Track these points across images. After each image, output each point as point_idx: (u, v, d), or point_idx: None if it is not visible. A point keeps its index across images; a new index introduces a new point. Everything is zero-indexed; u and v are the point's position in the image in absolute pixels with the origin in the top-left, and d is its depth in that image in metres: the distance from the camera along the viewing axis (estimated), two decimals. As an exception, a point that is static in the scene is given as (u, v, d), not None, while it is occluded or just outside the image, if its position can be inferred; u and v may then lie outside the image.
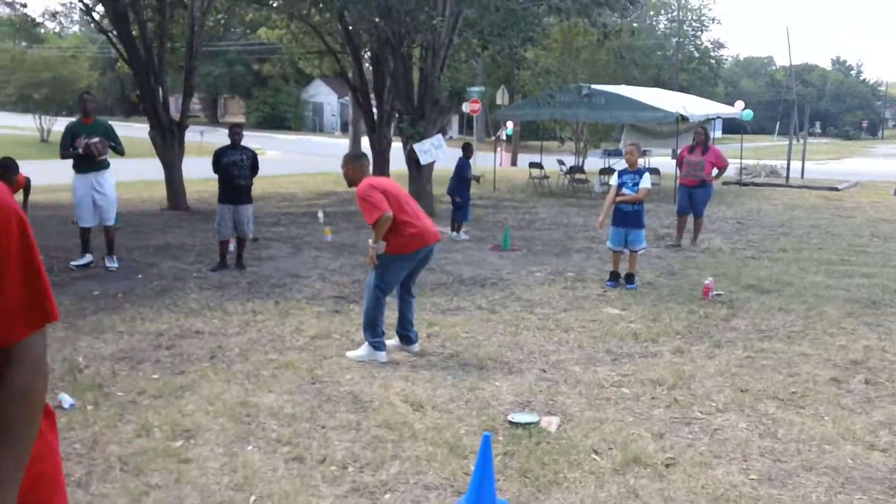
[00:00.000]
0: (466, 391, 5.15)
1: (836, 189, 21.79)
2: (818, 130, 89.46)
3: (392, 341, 6.08)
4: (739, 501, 3.79)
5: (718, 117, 23.53)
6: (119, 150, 8.82)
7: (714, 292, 8.21)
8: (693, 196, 11.72)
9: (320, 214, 13.57)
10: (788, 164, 24.68)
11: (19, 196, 8.40)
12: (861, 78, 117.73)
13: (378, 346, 5.83)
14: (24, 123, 37.11)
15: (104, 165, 8.72)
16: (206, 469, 3.89)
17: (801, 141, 28.23)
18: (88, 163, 8.56)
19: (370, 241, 5.81)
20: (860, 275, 9.56)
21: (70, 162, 8.67)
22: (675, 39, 60.53)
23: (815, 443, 4.51)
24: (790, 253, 11.21)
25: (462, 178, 12.28)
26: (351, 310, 7.29)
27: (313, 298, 7.71)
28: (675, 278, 9.27)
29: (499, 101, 24.83)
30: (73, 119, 9.17)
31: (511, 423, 4.63)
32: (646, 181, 8.65)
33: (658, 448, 4.37)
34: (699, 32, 66.64)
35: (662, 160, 23.67)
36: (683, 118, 18.31)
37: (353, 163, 6.12)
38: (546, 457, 4.17)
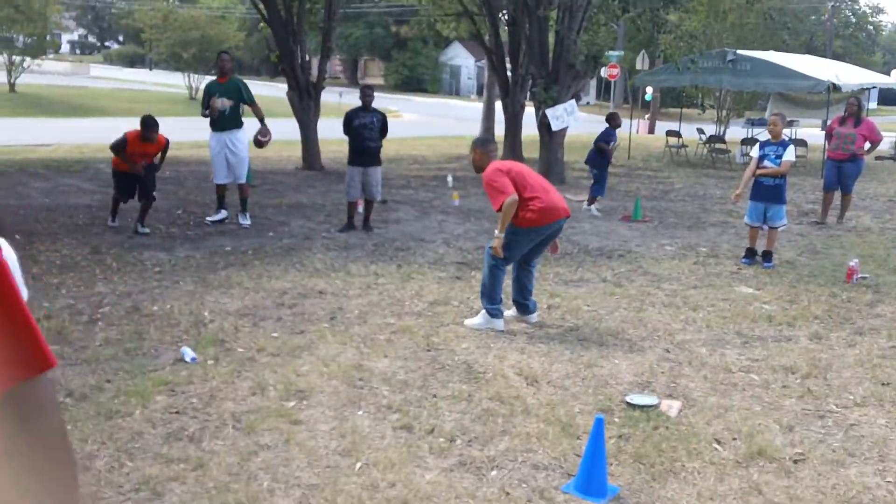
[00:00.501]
0: (584, 367, 5.02)
1: None
2: None
3: (510, 311, 6.01)
4: (873, 505, 3.51)
5: (874, 87, 21.88)
6: (251, 106, 9.04)
7: (859, 275, 7.64)
8: (842, 170, 10.95)
9: (450, 178, 13.60)
10: (954, 138, 22.62)
11: (157, 156, 8.76)
12: None
13: (495, 313, 5.76)
14: (174, 81, 39.19)
15: (237, 125, 9.04)
16: (316, 432, 3.96)
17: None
18: (223, 122, 8.90)
19: (496, 230, 5.70)
20: None
21: (209, 119, 9.04)
22: (830, 3, 56.56)
23: (965, 447, 4.12)
24: (944, 236, 10.31)
25: (600, 148, 11.49)
26: (472, 276, 7.26)
27: (436, 263, 7.74)
28: (818, 258, 8.70)
29: (638, 67, 23.98)
30: (212, 78, 9.53)
31: (629, 404, 4.47)
32: (790, 154, 8.12)
33: (786, 442, 4.11)
34: (858, -3, 61.97)
35: (811, 131, 22.27)
36: (836, 87, 17.12)
37: (481, 148, 6.05)
38: (664, 443, 4.00)
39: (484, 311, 5.80)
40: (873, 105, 44.84)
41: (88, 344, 5.09)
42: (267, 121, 9.28)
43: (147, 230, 8.40)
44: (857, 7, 63.03)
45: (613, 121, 11.65)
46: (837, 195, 11.12)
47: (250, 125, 9.21)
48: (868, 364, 5.33)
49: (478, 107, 29.40)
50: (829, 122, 12.28)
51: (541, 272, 7.46)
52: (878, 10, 67.27)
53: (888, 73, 24.73)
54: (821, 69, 18.87)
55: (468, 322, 5.83)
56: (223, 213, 9.32)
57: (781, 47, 24.79)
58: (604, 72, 23.24)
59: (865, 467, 3.87)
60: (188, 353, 4.88)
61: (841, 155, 10.97)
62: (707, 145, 20.10)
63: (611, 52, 22.02)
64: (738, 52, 18.72)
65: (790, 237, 9.69)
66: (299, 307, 6.09)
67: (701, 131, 21.31)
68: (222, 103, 8.88)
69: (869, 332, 6.06)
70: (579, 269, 7.69)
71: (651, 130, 31.69)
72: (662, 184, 15.10)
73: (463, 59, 60.28)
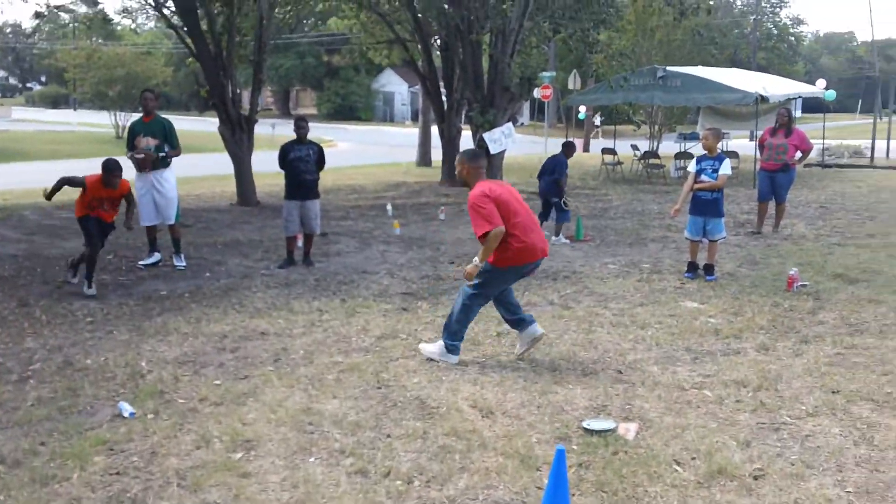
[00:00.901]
0: (538, 395, 4.93)
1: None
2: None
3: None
4: (836, 520, 3.48)
5: (799, 97, 22.57)
6: (171, 151, 8.84)
7: (799, 283, 7.78)
8: (775, 180, 11.20)
9: (389, 207, 13.50)
10: (873, 144, 23.55)
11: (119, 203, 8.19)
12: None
13: (453, 349, 5.60)
14: (99, 120, 38.28)
15: (164, 165, 8.80)
16: (267, 484, 3.77)
17: (886, 119, 26.88)
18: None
19: (476, 257, 5.46)
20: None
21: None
22: (752, 17, 58.59)
23: (922, 451, 4.15)
24: (878, 238, 10.59)
25: (556, 179, 10.93)
26: (419, 307, 7.15)
27: (380, 295, 7.59)
28: (757, 268, 8.84)
29: (571, 86, 24.33)
30: (139, 116, 9.27)
31: (586, 430, 4.39)
32: (726, 167, 8.25)
33: (745, 458, 4.08)
34: (777, 9, 64.41)
35: (741, 143, 22.89)
36: (763, 99, 17.60)
37: (469, 162, 5.76)
38: (624, 468, 3.93)
39: (442, 343, 5.63)
40: (798, 114, 46.40)
41: (20, 405, 4.80)
42: (199, 156, 9.06)
43: (76, 280, 7.99)
44: (779, 19, 65.42)
45: (569, 150, 11.20)
46: (772, 205, 11.36)
47: (189, 160, 8.96)
48: (816, 373, 5.38)
49: (413, 133, 29.48)
50: (758, 133, 12.57)
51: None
52: (799, 21, 70.13)
53: (811, 83, 25.53)
54: (748, 82, 19.41)
55: (423, 347, 5.73)
56: (156, 256, 9.03)
57: (709, 62, 25.51)
58: (537, 93, 23.49)
59: (825, 479, 3.86)
60: (126, 408, 4.63)
61: (773, 165, 11.22)
62: (642, 161, 20.46)
63: (543, 73, 22.32)
64: (668, 68, 19.14)
65: (729, 249, 9.84)
66: (241, 351, 5.88)
67: (635, 147, 21.70)
68: (147, 143, 8.66)
69: (814, 340, 6.13)
70: (526, 293, 7.64)
71: (586, 149, 32.17)
72: (601, 202, 15.26)
73: (396, 86, 60.56)
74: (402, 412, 4.66)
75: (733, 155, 19.25)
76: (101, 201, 7.69)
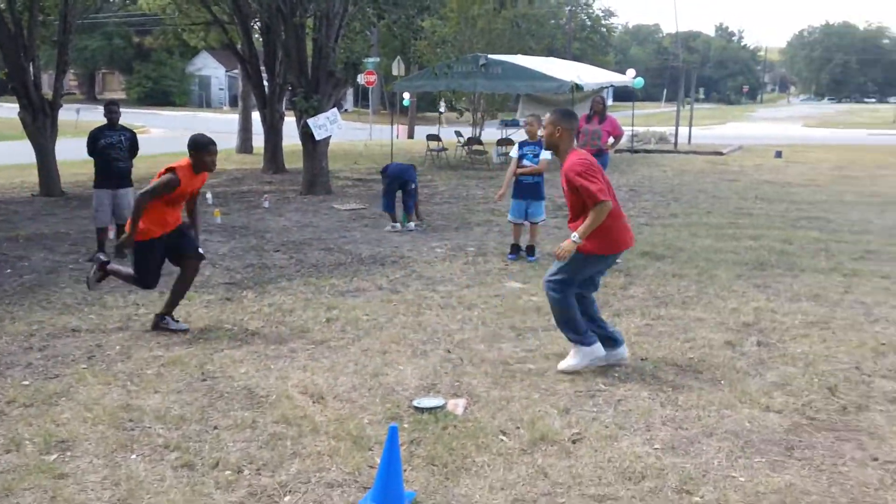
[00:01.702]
0: (369, 378, 4.96)
1: (720, 153, 22.57)
2: (702, 96, 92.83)
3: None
4: (645, 472, 3.76)
5: (611, 85, 23.91)
6: None
7: (613, 261, 8.27)
8: (592, 165, 11.78)
9: (209, 196, 13.03)
10: (676, 131, 25.40)
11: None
12: (742, 44, 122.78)
13: (588, 341, 5.12)
14: None
15: None
16: (85, 484, 3.56)
17: (688, 107, 29.07)
18: None
19: (575, 234, 4.88)
20: (747, 237, 9.87)
21: None
22: (568, 8, 61.40)
23: (713, 408, 4.55)
24: (681, 218, 11.48)
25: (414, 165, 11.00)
26: (244, 297, 6.97)
27: (202, 287, 7.32)
28: (575, 248, 9.30)
29: (395, 73, 24.50)
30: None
31: (416, 408, 4.48)
32: (546, 153, 8.60)
33: (564, 424, 4.31)
34: (591, 1, 67.90)
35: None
36: (578, 87, 18.49)
37: (564, 122, 5.05)
38: (453, 441, 4.04)
39: (574, 345, 5.16)
40: (610, 102, 49.19)
41: None
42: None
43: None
44: (591, 11, 68.90)
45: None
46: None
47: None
48: (627, 342, 5.74)
49: (232, 119, 28.54)
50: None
51: (315, 285, 7.35)
52: (610, 14, 74.16)
53: (622, 72, 27.13)
54: (564, 71, 20.33)
55: (563, 365, 5.14)
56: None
57: (527, 51, 26.45)
58: (361, 78, 23.47)
59: (635, 438, 4.16)
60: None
61: (589, 150, 11.77)
62: (465, 147, 20.95)
63: (367, 59, 22.31)
64: (490, 56, 19.67)
65: (549, 231, 10.30)
66: (51, 349, 5.49)
67: (459, 134, 22.17)
68: None
69: (625, 313, 6.56)
70: (354, 279, 7.65)
71: (411, 135, 32.51)
72: (427, 187, 15.49)
73: (213, 70, 58.43)
74: (229, 403, 4.55)
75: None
76: (184, 197, 5.94)
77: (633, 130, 24.82)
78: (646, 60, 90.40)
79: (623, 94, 41.71)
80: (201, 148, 5.74)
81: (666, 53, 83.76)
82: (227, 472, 3.69)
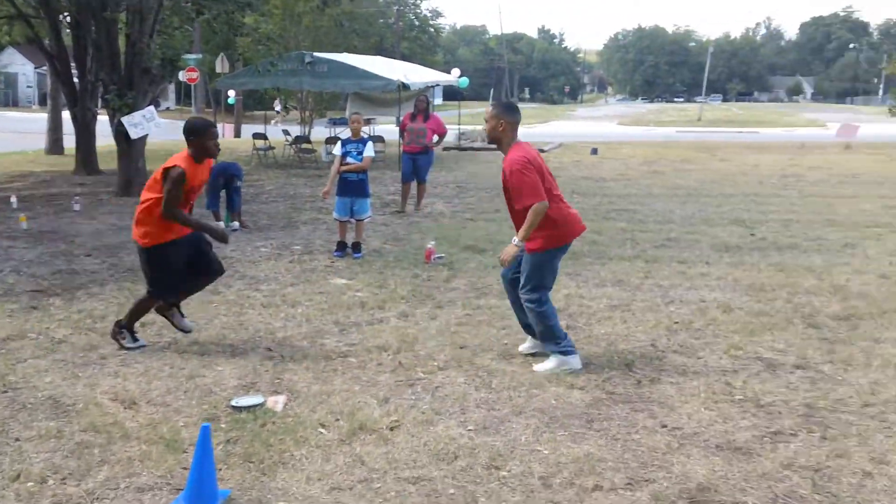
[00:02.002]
0: (185, 380, 4.88)
1: (542, 150, 23.58)
2: (527, 96, 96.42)
3: (526, 344, 5.55)
4: (458, 453, 3.95)
5: (438, 85, 24.41)
6: None
7: (436, 255, 8.53)
8: (416, 162, 12.04)
9: (14, 199, 12.17)
10: (502, 129, 26.24)
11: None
12: (563, 45, 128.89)
13: (567, 350, 5.18)
14: None
15: None
16: None
17: (513, 106, 30.16)
18: None
19: (515, 238, 5.01)
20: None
21: None
22: (396, 7, 61.93)
23: (524, 389, 4.84)
24: (503, 212, 11.88)
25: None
26: (51, 304, 6.61)
27: (5, 295, 6.88)
28: (401, 244, 9.50)
29: (218, 70, 23.81)
30: None
31: (234, 407, 4.46)
32: (369, 150, 8.70)
33: (383, 413, 4.44)
34: (419, 1, 68.87)
35: (387, 128, 24.15)
36: (405, 86, 18.75)
37: (506, 116, 5.09)
38: (272, 438, 4.07)
39: (552, 353, 5.20)
40: (439, 101, 50.19)
41: None
42: None
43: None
44: (420, 11, 69.86)
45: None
46: (414, 185, 12.23)
47: None
48: (447, 332, 5.98)
49: (41, 118, 26.74)
50: (401, 119, 13.44)
51: (130, 290, 7.10)
52: (438, 14, 75.40)
53: (449, 72, 27.75)
54: (391, 69, 20.54)
55: (539, 368, 5.18)
56: None
57: (354, 50, 26.52)
58: (182, 75, 22.63)
59: (450, 421, 4.35)
60: None
61: (415, 148, 12.07)
62: (293, 146, 20.73)
63: (188, 56, 21.56)
64: (316, 54, 19.54)
65: (376, 228, 10.44)
66: None
67: (287, 132, 21.90)
68: None
69: (447, 305, 6.79)
70: (175, 281, 7.43)
71: (237, 134, 31.73)
72: (253, 187, 15.21)
73: (20, 66, 54.49)
74: (32, 414, 4.33)
75: (380, 139, 20.36)
76: (193, 191, 5.39)
77: (459, 129, 25.46)
78: (473, 61, 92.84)
79: (452, 94, 42.65)
80: (201, 132, 5.27)
81: (492, 54, 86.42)
82: (30, 484, 3.54)
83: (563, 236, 5.22)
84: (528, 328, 5.49)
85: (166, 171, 5.17)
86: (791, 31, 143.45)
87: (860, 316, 6.53)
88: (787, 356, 5.52)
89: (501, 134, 5.14)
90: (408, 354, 5.47)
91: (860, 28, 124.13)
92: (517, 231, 5.10)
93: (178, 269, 5.36)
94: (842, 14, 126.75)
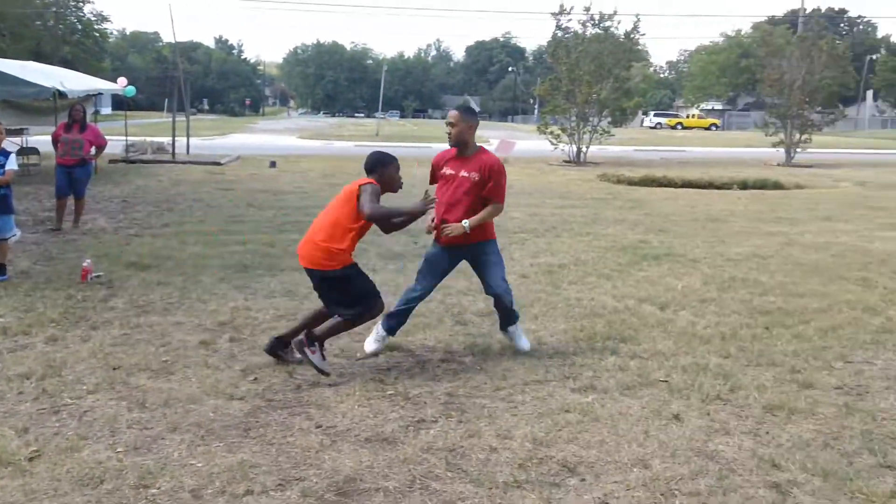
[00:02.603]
0: None
1: (219, 164, 23.16)
2: (206, 107, 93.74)
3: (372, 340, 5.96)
4: (104, 476, 3.84)
5: (101, 93, 22.87)
6: None
7: (93, 274, 8.06)
8: (73, 175, 11.27)
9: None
10: (174, 141, 25.31)
11: None
12: (242, 57, 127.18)
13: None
14: None
15: None
16: None
17: (184, 117, 29.18)
18: None
19: (465, 221, 5.50)
20: (235, 243, 10.39)
21: None
22: (54, 9, 56.87)
23: (181, 404, 4.80)
24: (172, 227, 11.59)
25: None
26: None
27: None
28: (53, 264, 8.83)
29: None
30: None
31: None
32: (12, 163, 8.00)
33: (22, 443, 4.16)
34: (81, 4, 63.80)
35: (44, 139, 22.11)
36: (62, 94, 17.36)
37: (472, 120, 5.55)
38: None
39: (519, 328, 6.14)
40: (108, 111, 46.86)
41: None
42: None
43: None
44: (83, 14, 64.68)
45: None
46: (71, 201, 11.39)
47: None
48: (101, 354, 5.71)
49: None
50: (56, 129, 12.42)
51: None
52: (103, 18, 69.92)
53: (116, 80, 26.08)
54: (46, 76, 18.84)
55: (525, 345, 6.03)
56: None
57: (3, 54, 23.91)
58: None
59: (98, 445, 4.19)
60: None
61: (70, 160, 11.25)
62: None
63: None
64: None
65: (25, 247, 9.58)
66: None
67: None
68: None
69: (103, 326, 6.47)
70: None
71: None
72: None
73: None
74: None
75: (34, 151, 18.64)
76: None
77: (126, 140, 24.11)
78: (146, 69, 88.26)
79: (121, 103, 40.03)
80: (388, 163, 5.37)
81: (166, 62, 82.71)
82: None
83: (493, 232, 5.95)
84: (392, 331, 5.96)
85: (361, 185, 5.33)
86: (459, 54, 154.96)
87: (498, 311, 7.36)
88: (434, 352, 6.06)
89: (468, 137, 5.57)
90: (54, 380, 5.15)
91: (518, 53, 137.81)
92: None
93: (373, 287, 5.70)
94: (501, 39, 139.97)
